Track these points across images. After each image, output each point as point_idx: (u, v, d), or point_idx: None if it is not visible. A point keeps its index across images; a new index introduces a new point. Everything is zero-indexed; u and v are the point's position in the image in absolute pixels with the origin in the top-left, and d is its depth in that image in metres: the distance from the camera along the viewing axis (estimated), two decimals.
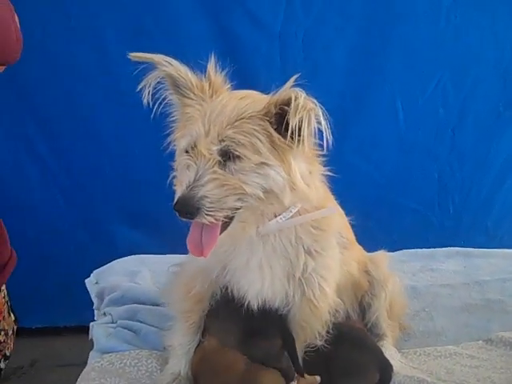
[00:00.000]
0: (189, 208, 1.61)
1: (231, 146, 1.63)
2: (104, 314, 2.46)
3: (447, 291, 2.74)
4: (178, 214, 1.63)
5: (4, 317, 2.08)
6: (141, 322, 2.35)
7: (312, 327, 2.02)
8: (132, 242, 3.76)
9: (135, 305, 2.44)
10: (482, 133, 4.00)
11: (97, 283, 2.80)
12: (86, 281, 2.89)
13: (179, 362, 2.08)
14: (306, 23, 3.61)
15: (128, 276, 2.79)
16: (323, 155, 1.81)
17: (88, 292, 3.96)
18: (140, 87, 1.77)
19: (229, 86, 1.83)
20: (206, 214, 1.62)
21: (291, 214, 1.81)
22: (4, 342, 2.12)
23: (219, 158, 1.64)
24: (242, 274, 1.92)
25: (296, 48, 3.62)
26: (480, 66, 3.82)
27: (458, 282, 2.86)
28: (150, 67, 1.79)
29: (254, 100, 1.71)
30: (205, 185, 1.63)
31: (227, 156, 1.64)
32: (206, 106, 1.73)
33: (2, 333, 2.11)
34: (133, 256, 3.03)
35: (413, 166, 3.98)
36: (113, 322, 2.37)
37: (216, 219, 1.65)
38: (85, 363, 3.97)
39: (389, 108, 3.78)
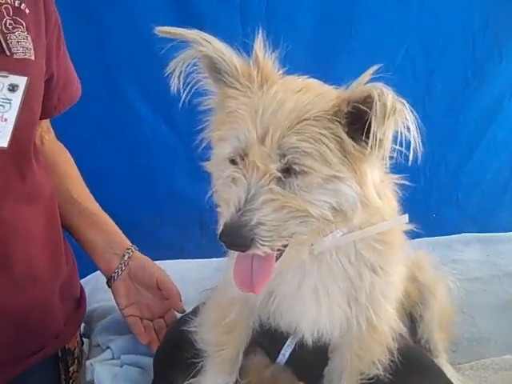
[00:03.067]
0: (240, 239, 1.25)
1: (296, 159, 1.27)
2: (99, 345, 2.04)
3: (479, 286, 2.48)
4: (224, 245, 1.28)
5: (77, 342, 1.96)
6: (145, 354, 1.97)
7: (372, 355, 1.68)
8: None
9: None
10: (451, 103, 3.82)
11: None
12: None
13: None
14: None
15: None
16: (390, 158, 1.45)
17: None
18: (169, 71, 1.41)
19: (280, 72, 1.44)
20: (262, 245, 1.26)
21: (349, 228, 1.45)
22: (76, 371, 1.93)
23: (279, 174, 1.28)
24: (293, 301, 1.56)
25: (259, 18, 3.26)
26: (448, 32, 3.62)
27: (486, 275, 2.61)
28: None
29: (317, 94, 1.33)
30: (260, 208, 1.26)
31: (289, 171, 1.28)
32: (256, 99, 1.33)
33: (76, 361, 1.92)
34: None
35: None
36: (114, 358, 1.95)
37: (272, 249, 1.29)
38: None
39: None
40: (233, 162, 1.34)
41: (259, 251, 1.27)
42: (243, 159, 1.30)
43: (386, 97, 1.18)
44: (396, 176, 1.52)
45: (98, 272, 2.35)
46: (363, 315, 1.57)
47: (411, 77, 3.64)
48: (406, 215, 1.57)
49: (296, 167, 1.26)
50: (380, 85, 1.20)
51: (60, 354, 1.81)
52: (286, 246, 1.33)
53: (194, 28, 1.40)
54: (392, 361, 1.68)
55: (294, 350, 1.76)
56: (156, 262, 2.54)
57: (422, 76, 3.69)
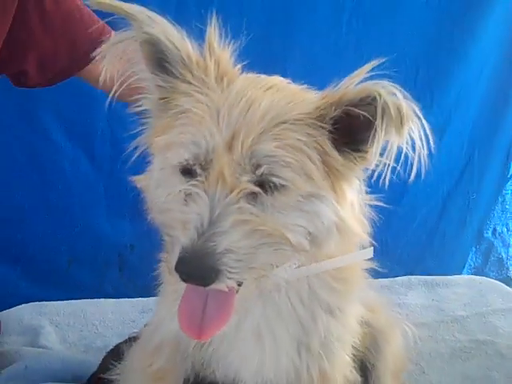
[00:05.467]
0: (204, 271, 1.01)
1: (273, 170, 1.06)
2: None
3: (426, 333, 2.30)
4: (181, 278, 1.03)
5: None
6: None
7: None
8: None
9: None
10: (382, 146, 3.79)
11: None
12: None
13: None
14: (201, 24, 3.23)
15: (26, 335, 2.14)
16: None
17: None
18: (99, 54, 1.17)
19: (239, 66, 1.24)
20: (229, 278, 1.03)
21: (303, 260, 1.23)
22: None
23: (253, 188, 1.06)
24: (232, 345, 1.33)
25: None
26: (381, 74, 3.59)
27: (433, 320, 2.44)
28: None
29: (293, 94, 1.16)
30: (229, 231, 1.03)
31: (263, 185, 1.07)
32: (216, 97, 1.12)
33: None
34: (26, 305, 2.36)
35: None
36: None
37: (239, 283, 1.07)
38: None
39: None
40: (187, 172, 1.11)
41: (223, 285, 1.04)
42: (204, 169, 1.08)
43: (399, 99, 1.00)
44: (369, 197, 1.31)
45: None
46: (315, 364, 1.36)
47: None
48: (371, 248, 1.36)
49: (274, 180, 1.06)
50: (385, 82, 1.02)
51: None
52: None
53: None
54: None
55: None
56: (72, 301, 2.47)
57: None
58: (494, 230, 4.23)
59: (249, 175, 1.05)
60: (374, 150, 1.05)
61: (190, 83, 1.15)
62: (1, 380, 1.83)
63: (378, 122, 1.02)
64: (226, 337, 1.31)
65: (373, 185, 3.41)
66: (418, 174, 1.15)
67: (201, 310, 1.09)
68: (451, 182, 3.98)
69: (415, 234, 4.01)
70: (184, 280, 1.02)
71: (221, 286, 1.03)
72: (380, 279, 2.59)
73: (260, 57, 3.20)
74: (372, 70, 1.14)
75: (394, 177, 1.15)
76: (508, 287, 2.85)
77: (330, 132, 1.09)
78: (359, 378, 1.54)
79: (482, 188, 4.05)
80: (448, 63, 3.62)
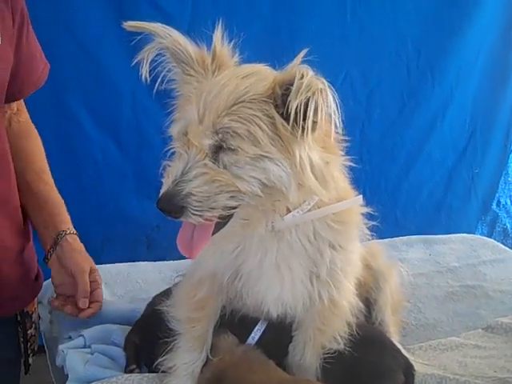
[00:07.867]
0: (172, 206, 1.41)
1: (225, 138, 1.41)
2: (70, 337, 2.07)
3: (423, 280, 2.65)
4: (162, 212, 1.42)
5: (35, 308, 2.01)
6: (116, 344, 2.01)
7: (333, 329, 1.80)
8: None
9: (106, 325, 2.09)
10: (389, 124, 4.01)
11: (40, 303, 2.34)
12: None
13: None
14: (214, 16, 3.47)
15: None
16: (346, 141, 1.60)
17: None
18: (136, 61, 1.53)
19: (236, 59, 1.58)
20: (193, 214, 1.41)
21: (309, 207, 1.58)
22: (34, 335, 2.00)
23: (211, 150, 1.42)
24: (257, 277, 1.68)
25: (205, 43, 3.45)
26: (384, 57, 3.82)
27: (430, 271, 2.79)
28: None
29: (260, 79, 1.47)
30: (192, 180, 1.41)
31: (221, 148, 1.42)
32: (204, 84, 1.49)
33: (34, 326, 1.99)
34: None
35: None
36: (85, 347, 2.00)
37: (206, 219, 1.44)
38: None
39: None
40: (179, 139, 1.49)
41: (191, 219, 1.42)
42: (185, 137, 1.46)
43: (305, 76, 1.33)
44: (345, 158, 1.63)
45: None
46: (325, 290, 1.70)
47: (351, 100, 3.80)
48: (361, 196, 1.71)
49: (225, 145, 1.41)
50: (304, 66, 1.36)
51: (19, 318, 1.90)
52: (226, 218, 1.48)
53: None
54: (351, 335, 1.80)
55: (263, 333, 1.86)
56: (117, 264, 2.68)
57: (362, 99, 3.88)
58: (498, 201, 4.48)
59: (209, 141, 1.41)
60: (299, 116, 1.36)
61: (191, 76, 1.53)
62: (64, 324, 2.13)
63: (292, 94, 1.33)
64: (252, 271, 1.67)
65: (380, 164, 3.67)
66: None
67: (190, 237, 1.49)
68: (455, 157, 4.22)
69: (423, 207, 4.27)
70: (164, 214, 1.42)
71: (189, 219, 1.42)
72: (384, 239, 2.92)
73: (267, 45, 3.49)
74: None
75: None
76: (496, 242, 3.18)
77: (283, 106, 1.39)
78: (361, 305, 1.89)
79: (484, 162, 4.27)
80: (447, 45, 3.84)
